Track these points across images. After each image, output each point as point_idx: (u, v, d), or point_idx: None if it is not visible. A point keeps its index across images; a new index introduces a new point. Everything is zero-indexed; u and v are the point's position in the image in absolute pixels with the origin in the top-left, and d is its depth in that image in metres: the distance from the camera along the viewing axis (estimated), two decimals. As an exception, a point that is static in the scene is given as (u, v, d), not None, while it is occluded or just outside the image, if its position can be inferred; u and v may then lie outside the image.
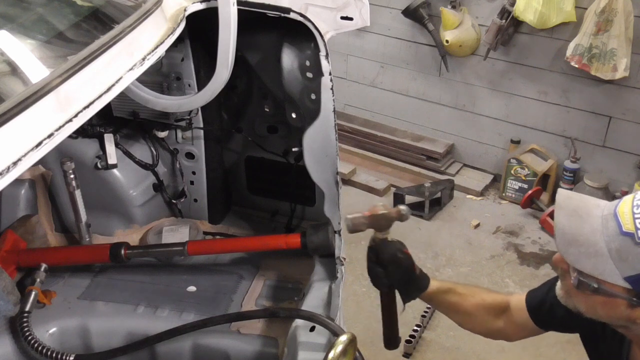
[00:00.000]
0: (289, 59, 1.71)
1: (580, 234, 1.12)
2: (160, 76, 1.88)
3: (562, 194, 1.20)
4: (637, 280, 1.08)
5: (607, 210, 1.13)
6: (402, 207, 1.50)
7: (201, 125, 2.01)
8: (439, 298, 1.58)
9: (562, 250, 1.15)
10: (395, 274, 1.52)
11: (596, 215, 1.13)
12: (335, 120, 1.66)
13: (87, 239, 1.96)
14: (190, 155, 2.08)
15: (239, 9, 1.57)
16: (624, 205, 1.11)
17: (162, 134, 2.03)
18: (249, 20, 1.63)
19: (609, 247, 1.09)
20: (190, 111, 1.96)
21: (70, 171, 1.84)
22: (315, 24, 1.59)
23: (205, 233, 2.13)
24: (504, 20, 3.58)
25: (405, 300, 1.56)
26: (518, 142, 3.93)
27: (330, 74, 1.63)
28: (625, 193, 3.49)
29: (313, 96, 1.71)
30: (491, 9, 3.70)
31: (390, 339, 1.64)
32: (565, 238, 1.14)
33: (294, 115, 1.81)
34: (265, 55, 1.82)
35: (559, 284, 1.26)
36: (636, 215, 1.08)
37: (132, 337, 1.70)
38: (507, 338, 1.61)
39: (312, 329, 1.51)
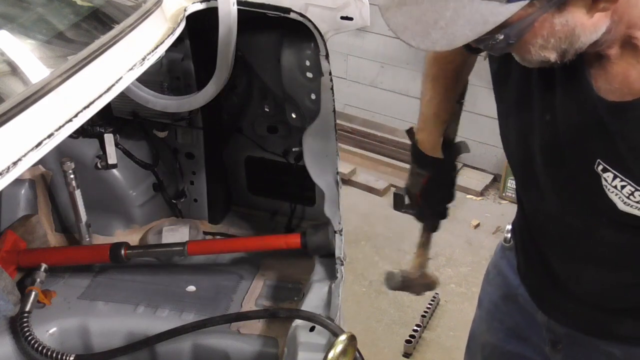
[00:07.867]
0: (289, 59, 1.71)
1: (423, 8, 0.86)
2: (160, 76, 1.88)
3: None
4: None
5: None
6: None
7: (201, 125, 2.01)
8: None
9: (422, 45, 0.88)
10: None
11: None
12: (335, 121, 1.66)
13: (87, 239, 1.96)
14: (190, 155, 2.08)
15: (239, 9, 1.57)
16: None
17: (162, 134, 2.03)
18: (249, 20, 1.63)
19: None
20: (190, 111, 1.96)
21: (70, 171, 1.84)
22: (315, 24, 1.59)
23: (205, 233, 2.12)
24: (504, 20, 3.57)
25: None
26: (518, 142, 3.92)
27: (330, 74, 1.62)
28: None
29: (313, 96, 1.72)
30: (491, 9, 3.70)
31: None
32: (412, 24, 0.88)
33: (294, 115, 1.81)
34: (265, 55, 1.82)
35: None
36: None
37: (132, 337, 1.70)
38: None
39: (312, 329, 1.51)
